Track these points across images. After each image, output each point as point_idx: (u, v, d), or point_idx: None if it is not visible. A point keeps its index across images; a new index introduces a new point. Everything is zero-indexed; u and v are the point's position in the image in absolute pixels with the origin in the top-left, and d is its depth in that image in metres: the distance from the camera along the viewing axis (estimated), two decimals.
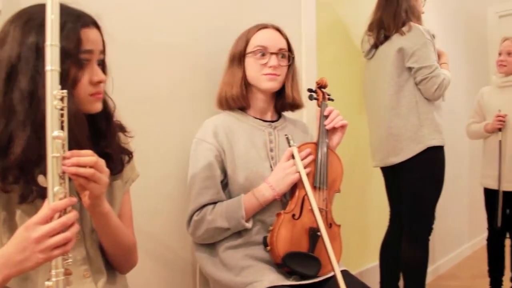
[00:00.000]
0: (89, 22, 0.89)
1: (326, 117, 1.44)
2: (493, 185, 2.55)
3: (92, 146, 0.87)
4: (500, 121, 2.47)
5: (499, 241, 2.61)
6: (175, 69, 1.49)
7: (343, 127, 1.44)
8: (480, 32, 4.26)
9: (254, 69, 1.40)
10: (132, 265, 1.08)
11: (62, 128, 0.76)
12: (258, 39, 1.40)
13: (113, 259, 1.01)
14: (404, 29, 2.09)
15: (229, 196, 1.35)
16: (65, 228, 0.75)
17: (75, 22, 0.85)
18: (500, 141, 2.48)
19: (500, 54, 2.58)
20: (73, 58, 0.83)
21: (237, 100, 1.41)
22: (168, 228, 1.46)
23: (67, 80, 0.81)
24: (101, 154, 0.86)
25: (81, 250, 0.93)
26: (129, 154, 1.03)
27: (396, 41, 2.11)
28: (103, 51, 0.92)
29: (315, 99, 1.56)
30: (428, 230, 2.17)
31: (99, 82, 0.89)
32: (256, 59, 1.39)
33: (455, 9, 3.68)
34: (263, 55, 1.39)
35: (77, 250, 0.92)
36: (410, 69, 2.09)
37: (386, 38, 2.16)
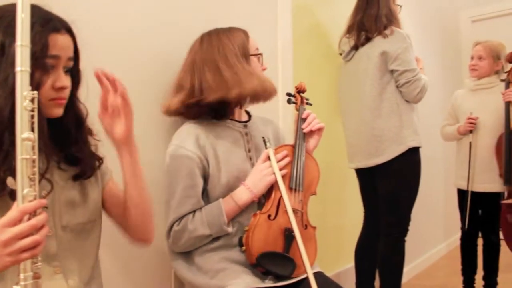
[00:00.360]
0: (60, 27, 0.88)
1: (304, 120, 1.46)
2: (465, 186, 2.60)
3: (58, 150, 0.88)
4: (471, 123, 2.52)
5: (472, 241, 2.66)
6: (142, 70, 1.45)
7: (320, 130, 1.46)
8: (453, 36, 4.36)
9: (258, 70, 1.41)
10: (152, 231, 1.10)
11: (32, 129, 0.75)
12: (254, 41, 1.42)
13: (136, 222, 1.05)
14: (387, 32, 2.13)
15: (208, 201, 1.34)
16: (34, 230, 0.74)
17: (44, 25, 0.84)
18: (470, 143, 2.54)
19: (472, 58, 2.64)
20: (38, 61, 0.83)
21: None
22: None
23: (30, 83, 0.81)
24: (71, 159, 0.86)
25: (53, 245, 0.92)
26: (99, 159, 1.03)
27: (378, 44, 2.14)
28: (72, 58, 0.92)
29: (294, 103, 1.58)
30: (405, 231, 2.21)
31: (61, 88, 0.89)
32: (257, 61, 1.42)
33: (429, 14, 3.76)
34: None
35: (49, 244, 0.91)
36: (392, 71, 2.12)
37: (368, 40, 2.19)
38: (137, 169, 1.04)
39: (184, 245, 1.30)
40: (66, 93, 0.92)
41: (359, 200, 2.43)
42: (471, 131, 2.54)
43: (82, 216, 0.98)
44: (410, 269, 3.12)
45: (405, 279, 2.84)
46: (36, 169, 0.76)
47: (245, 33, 1.41)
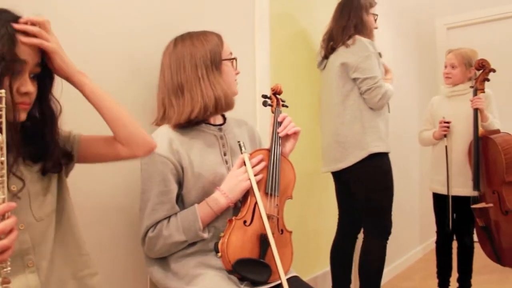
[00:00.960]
0: (22, 32, 0.88)
1: (280, 124, 1.46)
2: (440, 190, 2.65)
3: (25, 145, 0.89)
4: (444, 127, 2.58)
5: (447, 244, 2.71)
6: (115, 74, 1.44)
7: (295, 134, 1.46)
8: (429, 43, 4.43)
9: (230, 75, 1.40)
10: (146, 140, 1.10)
11: (0, 130, 0.75)
12: (228, 46, 1.42)
13: (124, 134, 1.05)
14: (349, 42, 2.18)
15: (183, 206, 1.32)
16: (3, 235, 0.73)
17: (10, 28, 0.84)
18: (446, 147, 2.58)
19: (445, 66, 2.69)
20: (5, 64, 0.82)
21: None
22: (118, 239, 1.42)
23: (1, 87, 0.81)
24: (38, 154, 0.88)
25: (26, 239, 0.91)
26: (69, 155, 1.03)
27: (340, 54, 2.20)
28: (40, 65, 0.92)
29: (269, 105, 1.58)
30: (384, 235, 2.24)
31: (26, 93, 0.89)
32: (230, 66, 1.41)
33: (405, 21, 3.82)
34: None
35: (22, 239, 0.90)
36: (355, 79, 2.17)
37: (333, 49, 2.25)
38: (100, 92, 1.03)
39: (159, 251, 1.28)
40: (31, 98, 0.91)
41: (336, 204, 2.46)
42: (445, 135, 2.59)
43: (51, 205, 0.98)
44: (387, 272, 3.16)
45: (383, 281, 2.88)
46: (4, 171, 0.75)
47: (219, 37, 1.41)
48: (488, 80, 2.46)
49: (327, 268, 2.63)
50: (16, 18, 0.87)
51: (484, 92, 2.47)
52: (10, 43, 0.83)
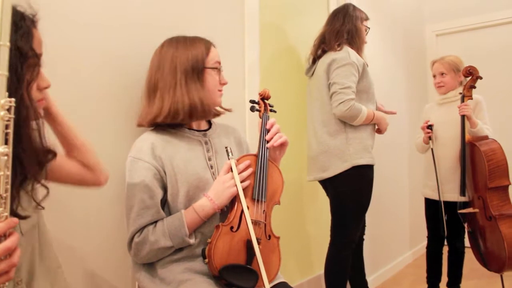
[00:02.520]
0: (35, 22, 0.84)
1: (268, 130, 1.45)
2: (431, 195, 2.68)
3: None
4: (424, 129, 2.65)
5: (438, 249, 2.74)
6: (102, 73, 1.42)
7: (283, 145, 1.45)
8: (419, 50, 4.48)
9: (213, 84, 1.39)
10: (104, 171, 1.13)
11: (6, 142, 0.69)
12: (216, 54, 1.41)
13: (83, 165, 1.05)
14: (337, 47, 2.18)
15: (170, 212, 1.32)
16: (9, 253, 0.70)
17: (26, 20, 0.79)
18: (432, 150, 2.63)
19: (434, 76, 2.73)
20: (30, 60, 0.78)
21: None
22: (105, 246, 1.42)
23: (23, 86, 0.76)
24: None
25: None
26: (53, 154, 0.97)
27: (327, 58, 2.19)
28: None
29: (257, 110, 1.56)
30: (347, 244, 2.22)
31: (46, 87, 0.86)
32: (215, 75, 1.39)
33: (394, 28, 3.86)
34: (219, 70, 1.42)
35: None
36: (329, 85, 2.16)
37: (324, 52, 2.24)
38: (61, 126, 1.03)
39: (146, 257, 1.28)
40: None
41: (326, 210, 2.47)
42: (430, 138, 2.63)
43: (32, 219, 0.92)
44: (376, 277, 3.17)
45: (372, 286, 2.89)
46: (8, 186, 0.70)
47: (207, 44, 1.40)
48: (475, 87, 2.50)
49: (317, 273, 2.64)
50: (27, 13, 0.83)
51: (471, 98, 2.50)
52: (28, 37, 0.79)
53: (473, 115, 2.46)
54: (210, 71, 1.38)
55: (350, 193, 2.17)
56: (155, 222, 1.28)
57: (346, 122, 2.15)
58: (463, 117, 2.47)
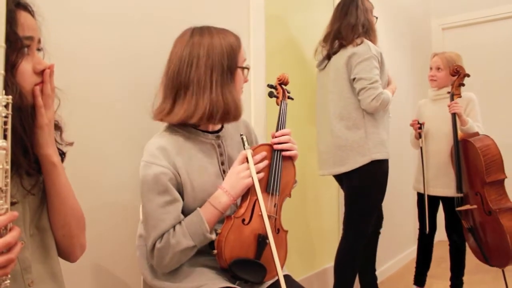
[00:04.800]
0: (22, 4, 0.82)
1: (284, 119, 1.43)
2: (420, 189, 2.74)
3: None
4: (413, 126, 2.68)
5: (428, 240, 2.81)
6: (111, 68, 1.41)
7: (292, 157, 1.39)
8: (425, 44, 4.45)
9: (241, 84, 1.32)
10: (82, 246, 1.00)
11: (5, 137, 0.70)
12: (244, 52, 1.32)
13: (63, 235, 0.93)
14: (358, 41, 2.19)
15: (184, 215, 1.25)
16: (9, 247, 0.69)
17: (8, 2, 0.76)
18: (421, 148, 2.67)
19: (431, 69, 2.76)
20: (15, 44, 0.76)
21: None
22: (112, 241, 1.41)
23: (12, 71, 0.76)
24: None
25: (27, 256, 0.85)
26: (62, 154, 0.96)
27: (347, 53, 2.19)
28: (40, 41, 0.86)
29: (275, 96, 1.50)
30: (360, 238, 2.25)
31: (44, 69, 0.83)
32: (242, 75, 1.32)
33: (400, 22, 3.83)
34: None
35: (23, 257, 0.84)
36: (354, 80, 2.16)
37: (341, 47, 2.24)
38: (57, 183, 0.91)
39: (170, 263, 1.20)
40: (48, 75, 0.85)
41: (333, 204, 2.47)
42: (420, 135, 2.67)
43: (46, 218, 0.92)
44: (382, 271, 3.17)
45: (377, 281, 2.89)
46: (8, 180, 0.71)
47: (237, 39, 1.30)
48: (463, 85, 2.52)
49: (323, 267, 2.65)
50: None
51: (460, 97, 2.53)
52: (13, 20, 0.77)
53: (464, 113, 2.49)
54: (240, 70, 1.30)
55: (367, 187, 2.19)
56: (174, 226, 1.22)
57: (366, 117, 2.17)
58: (453, 115, 2.49)
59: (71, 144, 0.97)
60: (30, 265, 0.86)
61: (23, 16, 0.80)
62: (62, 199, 0.91)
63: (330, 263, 2.71)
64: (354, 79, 2.16)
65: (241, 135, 1.31)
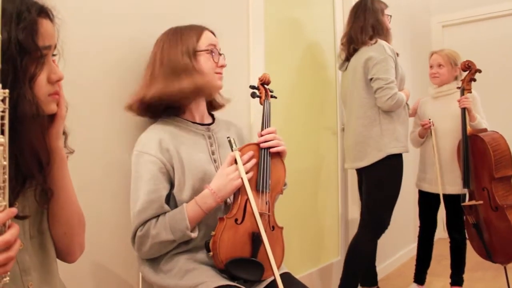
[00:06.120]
0: (45, 11, 0.81)
1: (268, 118, 1.45)
2: (427, 188, 2.72)
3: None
4: (424, 126, 2.67)
5: (428, 237, 2.81)
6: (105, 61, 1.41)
7: (280, 153, 1.41)
8: (425, 41, 4.43)
9: (209, 66, 1.38)
10: (81, 246, 1.00)
11: (2, 132, 0.69)
12: (209, 37, 1.40)
13: (64, 233, 0.93)
14: (372, 41, 2.28)
15: (175, 206, 1.30)
16: (8, 246, 0.69)
17: (31, 11, 0.76)
18: (433, 146, 2.64)
19: (431, 67, 2.76)
20: (33, 53, 0.76)
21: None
22: (111, 239, 1.42)
23: (25, 79, 0.75)
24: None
25: (26, 258, 0.85)
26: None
27: (363, 54, 2.29)
28: (55, 47, 0.85)
29: (258, 96, 1.53)
30: (378, 231, 2.35)
31: (58, 80, 0.83)
32: (209, 57, 1.38)
33: (400, 19, 3.82)
34: (213, 53, 1.39)
35: (22, 258, 0.84)
36: (371, 79, 2.25)
37: (355, 50, 2.35)
38: (62, 179, 0.92)
39: (149, 251, 1.26)
40: (61, 86, 0.86)
41: (332, 202, 2.48)
42: (431, 132, 2.65)
43: (46, 221, 0.92)
44: (382, 269, 3.17)
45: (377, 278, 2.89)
46: (6, 176, 0.70)
47: (199, 30, 1.40)
48: (474, 80, 2.51)
49: (323, 264, 2.65)
50: (33, 2, 0.80)
51: (471, 92, 2.52)
52: (32, 30, 0.76)
53: (472, 108, 2.49)
54: (203, 54, 1.37)
55: (385, 181, 2.31)
56: (158, 216, 1.26)
57: (381, 114, 2.28)
58: (463, 110, 2.48)
59: (72, 152, 0.97)
60: (29, 267, 0.85)
61: (44, 24, 0.79)
62: (67, 195, 0.92)
63: (331, 260, 2.73)
64: (371, 79, 2.25)
65: (227, 137, 1.34)
